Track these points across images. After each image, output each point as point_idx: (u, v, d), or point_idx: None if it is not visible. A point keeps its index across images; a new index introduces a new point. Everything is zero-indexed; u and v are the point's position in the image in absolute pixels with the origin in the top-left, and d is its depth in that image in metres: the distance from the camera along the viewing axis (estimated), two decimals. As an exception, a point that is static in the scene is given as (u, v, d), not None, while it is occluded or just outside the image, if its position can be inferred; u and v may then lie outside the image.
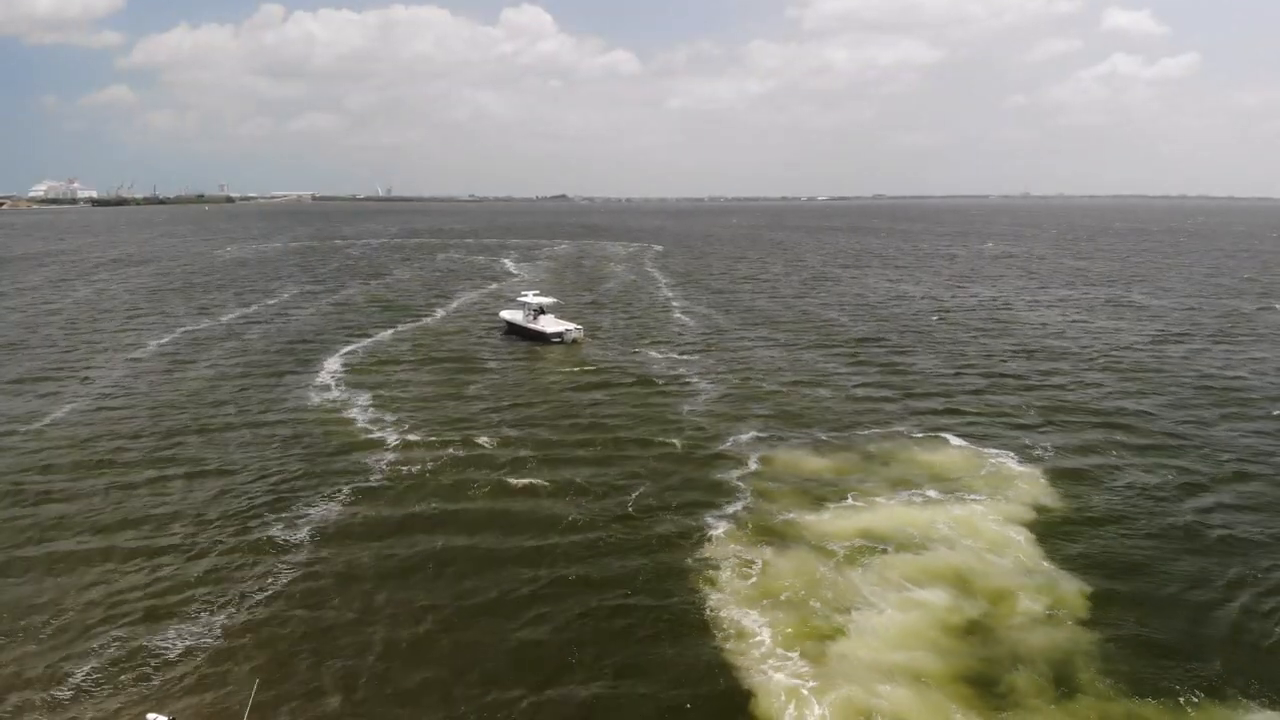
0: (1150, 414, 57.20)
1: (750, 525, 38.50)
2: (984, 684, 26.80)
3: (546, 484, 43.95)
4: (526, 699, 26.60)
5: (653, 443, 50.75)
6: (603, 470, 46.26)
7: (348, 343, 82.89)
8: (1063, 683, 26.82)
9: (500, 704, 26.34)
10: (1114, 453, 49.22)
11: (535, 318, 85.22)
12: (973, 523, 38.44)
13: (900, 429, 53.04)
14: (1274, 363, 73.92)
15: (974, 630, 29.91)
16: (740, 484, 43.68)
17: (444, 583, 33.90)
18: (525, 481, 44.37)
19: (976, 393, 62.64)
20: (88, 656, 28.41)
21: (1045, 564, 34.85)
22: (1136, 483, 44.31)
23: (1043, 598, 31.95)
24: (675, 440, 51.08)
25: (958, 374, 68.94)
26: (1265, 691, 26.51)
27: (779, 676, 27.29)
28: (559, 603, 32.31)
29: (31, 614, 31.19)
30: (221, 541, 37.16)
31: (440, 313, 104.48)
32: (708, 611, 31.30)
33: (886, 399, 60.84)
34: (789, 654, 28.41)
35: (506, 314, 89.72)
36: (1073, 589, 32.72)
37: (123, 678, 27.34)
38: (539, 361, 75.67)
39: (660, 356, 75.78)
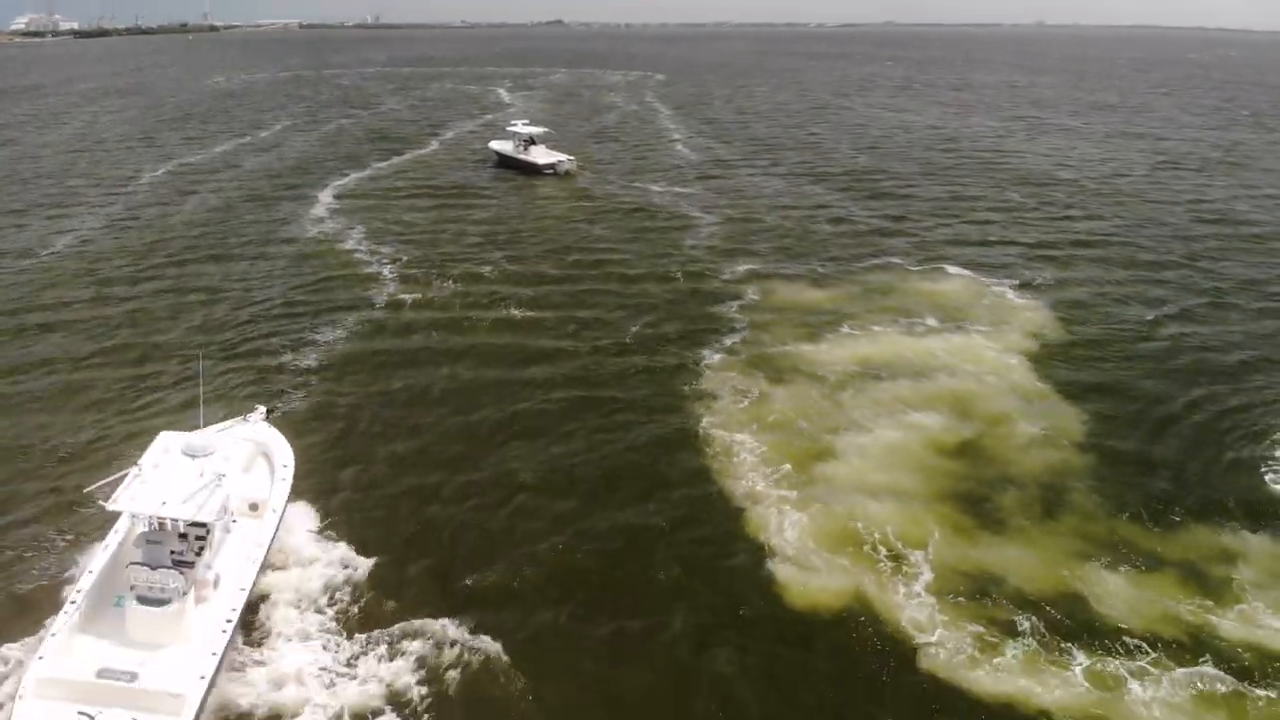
0: (1150, 244, 56.46)
1: (747, 356, 38.40)
2: (971, 502, 27.22)
3: (546, 316, 43.70)
4: (521, 497, 27.84)
5: (651, 275, 50.30)
6: (602, 302, 45.91)
7: (342, 175, 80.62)
8: (1050, 503, 27.24)
9: (498, 499, 27.74)
10: (1115, 281, 48.89)
11: (526, 148, 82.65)
12: (971, 351, 38.42)
13: (900, 260, 52.37)
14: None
15: (965, 452, 30.25)
16: (738, 316, 43.41)
17: (450, 407, 34.22)
18: (525, 314, 44.11)
19: (978, 223, 61.55)
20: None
21: (1042, 388, 35.11)
22: (1135, 311, 44.28)
23: (1038, 421, 32.21)
24: (674, 273, 50.59)
25: (960, 204, 67.60)
26: (1247, 513, 26.99)
27: (763, 488, 27.74)
28: (563, 422, 32.84)
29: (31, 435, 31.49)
30: (230, 369, 37.17)
31: (434, 144, 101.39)
32: (701, 432, 31.66)
33: (887, 230, 59.76)
34: (777, 470, 28.77)
35: (496, 145, 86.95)
36: (1069, 413, 33.01)
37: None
38: (532, 194, 74.01)
39: (659, 189, 73.99)
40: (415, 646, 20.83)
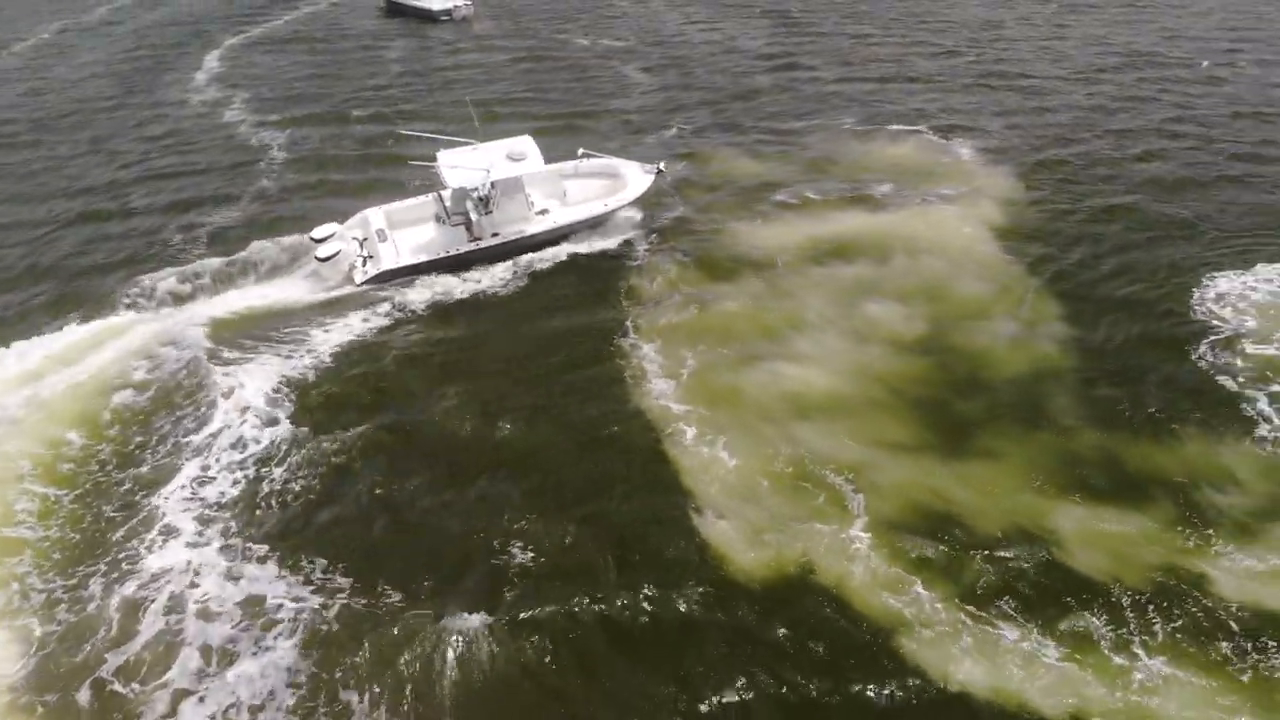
0: (1101, 86, 53.51)
1: (679, 241, 35.09)
2: (935, 414, 25.10)
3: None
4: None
5: (569, 145, 45.60)
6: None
7: (233, 33, 72.03)
8: (1026, 412, 25.21)
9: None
10: (1071, 131, 46.46)
11: (418, -8, 75.69)
12: (934, 225, 35.70)
13: (849, 121, 48.55)
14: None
15: (930, 350, 27.98)
16: (668, 191, 39.62)
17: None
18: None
19: (924, 78, 57.07)
20: None
21: (1016, 270, 32.72)
22: (1101, 166, 41.96)
23: (1013, 309, 30.00)
24: (596, 142, 46.05)
25: (914, 58, 62.98)
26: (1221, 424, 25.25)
27: (692, 414, 25.20)
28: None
29: None
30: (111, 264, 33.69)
31: None
32: (621, 344, 28.70)
33: (830, 88, 55.46)
34: (710, 385, 26.28)
35: (385, -13, 79.30)
36: (1046, 299, 30.75)
37: None
38: (426, 45, 67.53)
39: (585, 41, 67.93)
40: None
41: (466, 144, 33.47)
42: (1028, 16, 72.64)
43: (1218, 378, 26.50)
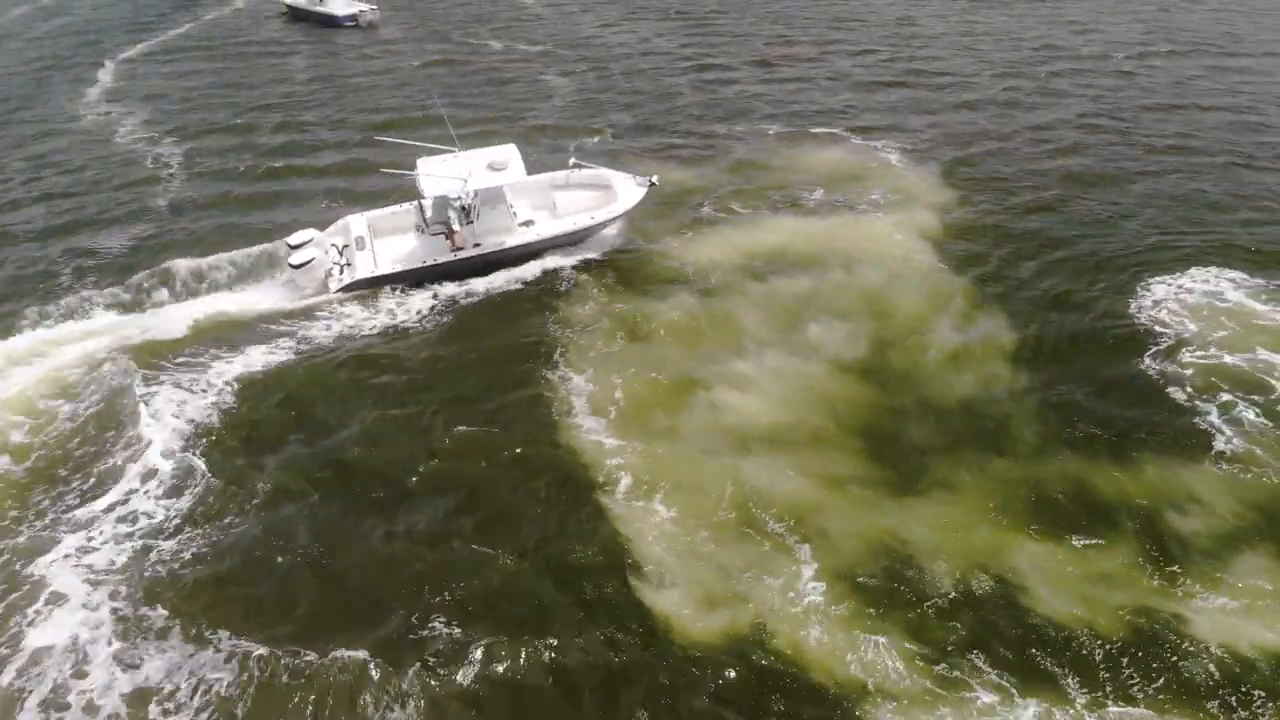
0: (1022, 83, 53.02)
1: (603, 259, 33.02)
2: (882, 445, 23.45)
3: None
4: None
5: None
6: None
7: (131, 43, 67.52)
8: (978, 438, 23.69)
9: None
10: (997, 133, 45.49)
11: (321, -1, 72.24)
12: (869, 235, 34.25)
13: (770, 126, 46.93)
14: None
15: (873, 373, 26.42)
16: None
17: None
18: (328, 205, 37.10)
19: (855, 80, 55.84)
20: None
21: (956, 280, 31.44)
22: (1029, 164, 41.08)
23: (956, 324, 28.52)
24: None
25: (832, 57, 61.68)
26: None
27: (611, 443, 23.32)
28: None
29: None
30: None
31: (239, 2, 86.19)
32: (546, 375, 26.53)
33: (759, 92, 53.69)
34: (643, 424, 24.15)
35: (285, -7, 75.42)
36: (990, 311, 29.41)
37: None
38: (331, 52, 64.14)
39: (499, 45, 65.16)
40: None
41: (448, 152, 32.01)
42: (941, 13, 72.20)
43: (1168, 389, 25.46)
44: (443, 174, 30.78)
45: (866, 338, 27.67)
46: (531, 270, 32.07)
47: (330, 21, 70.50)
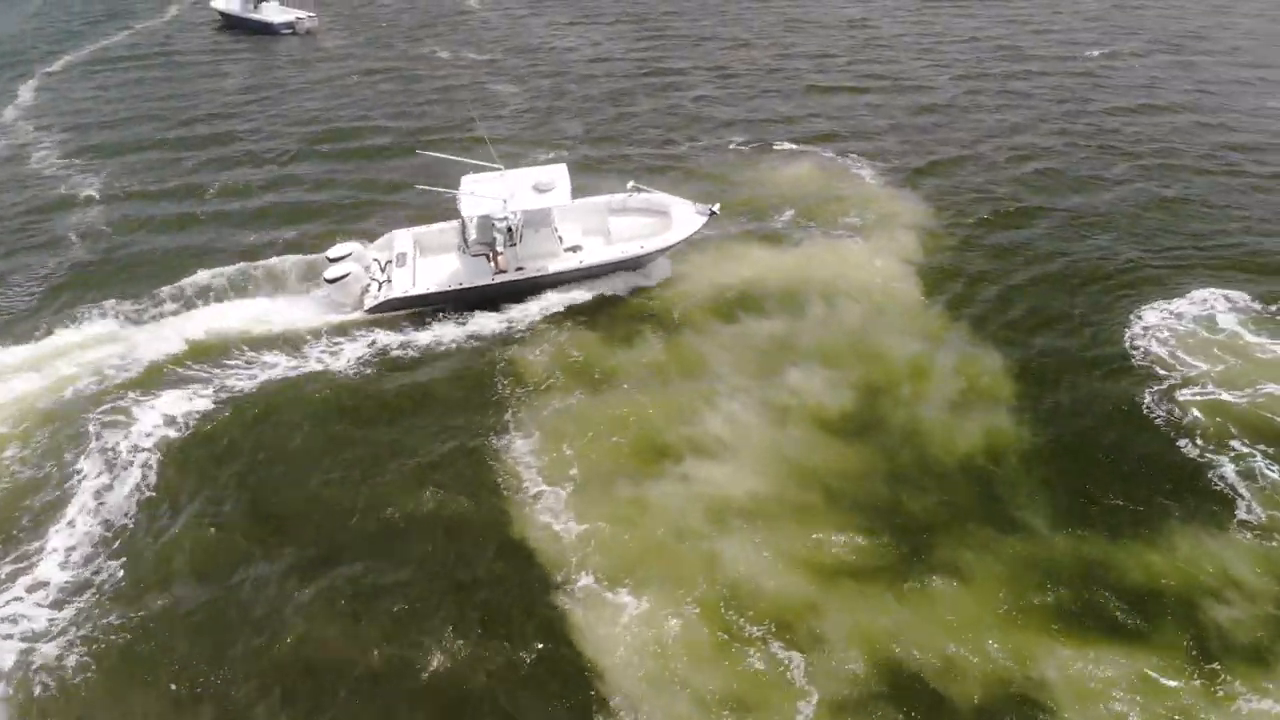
0: (987, 88, 50.71)
1: (568, 296, 30.00)
2: (876, 522, 20.67)
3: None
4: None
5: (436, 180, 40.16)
6: (362, 212, 36.05)
7: (54, 56, 62.78)
8: (986, 510, 20.94)
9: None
10: (977, 143, 43.08)
11: (256, 5, 67.71)
12: (847, 263, 31.61)
13: (736, 139, 44.17)
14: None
15: (862, 430, 23.59)
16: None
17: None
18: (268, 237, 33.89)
19: (817, 87, 52.83)
20: None
21: (944, 316, 28.74)
22: (1011, 179, 38.64)
23: (951, 371, 25.79)
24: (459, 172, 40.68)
25: (791, 63, 58.65)
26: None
27: (568, 527, 20.54)
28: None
29: None
30: None
31: (173, 9, 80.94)
32: (510, 426, 23.53)
33: (719, 103, 50.58)
34: (584, 502, 21.18)
35: (219, 2, 70.45)
36: (986, 353, 26.74)
37: None
38: (274, 62, 60.06)
39: (446, 54, 61.46)
40: None
41: (494, 169, 30.08)
42: (894, 13, 69.62)
43: (1178, 442, 23.08)
44: (485, 193, 28.91)
45: (851, 386, 24.99)
46: (551, 300, 29.54)
47: (266, 29, 66.27)
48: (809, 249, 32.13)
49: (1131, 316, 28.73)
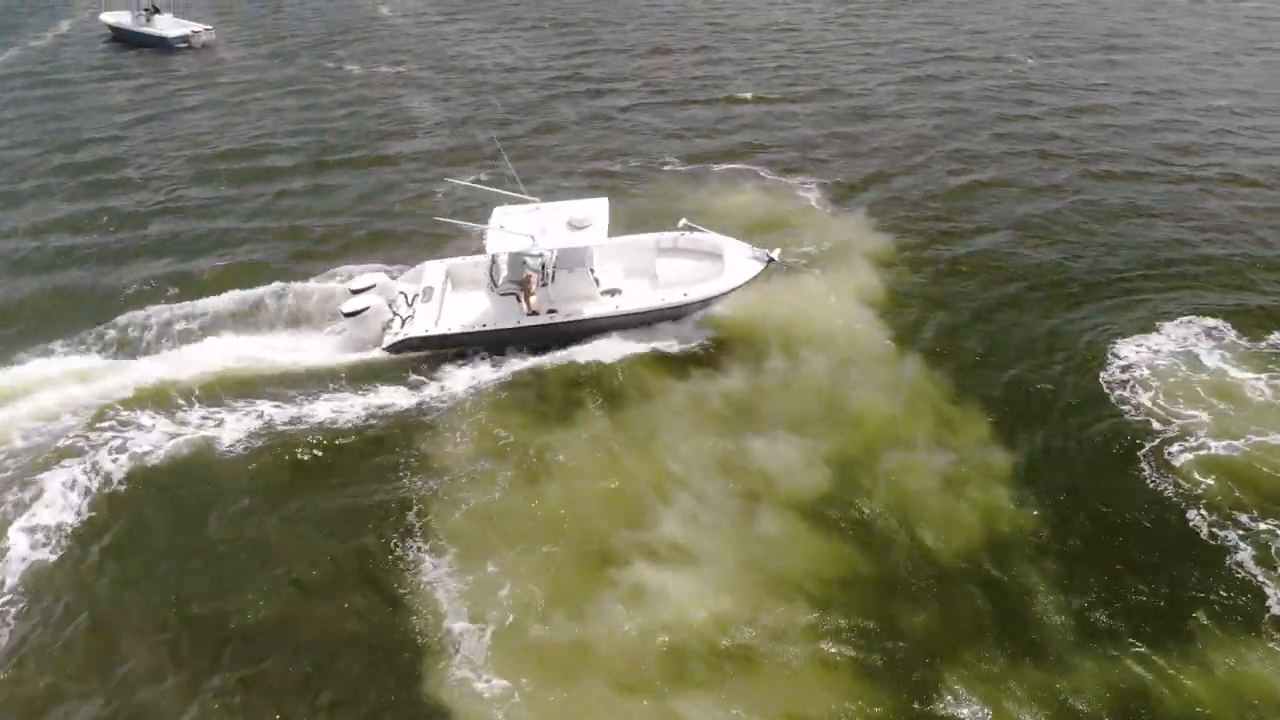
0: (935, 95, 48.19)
1: (492, 355, 26.33)
2: (872, 632, 17.57)
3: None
4: None
5: (345, 208, 36.29)
6: (261, 260, 31.71)
7: None
8: (1000, 626, 17.71)
9: None
10: (924, 158, 40.19)
11: (148, 18, 62.22)
12: (808, 306, 27.92)
13: (671, 161, 40.70)
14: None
15: (839, 520, 20.23)
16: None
17: None
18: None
19: (752, 98, 48.78)
20: None
21: (920, 369, 25.38)
22: (963, 199, 35.83)
23: (934, 440, 22.51)
24: (371, 202, 36.75)
25: (721, 71, 54.61)
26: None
27: (489, 685, 16.65)
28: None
29: None
30: None
31: (64, 25, 73.47)
32: (416, 531, 19.80)
33: (648, 115, 46.91)
34: (509, 647, 17.40)
35: (109, 16, 64.77)
36: (970, 413, 23.62)
37: None
38: (170, 80, 54.64)
39: (358, 68, 56.60)
40: None
41: (529, 202, 26.85)
42: (821, 16, 66.69)
43: (1188, 515, 20.28)
44: (514, 228, 25.83)
45: (826, 460, 21.70)
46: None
47: (160, 44, 60.76)
48: (764, 287, 28.72)
49: (1108, 354, 26.10)
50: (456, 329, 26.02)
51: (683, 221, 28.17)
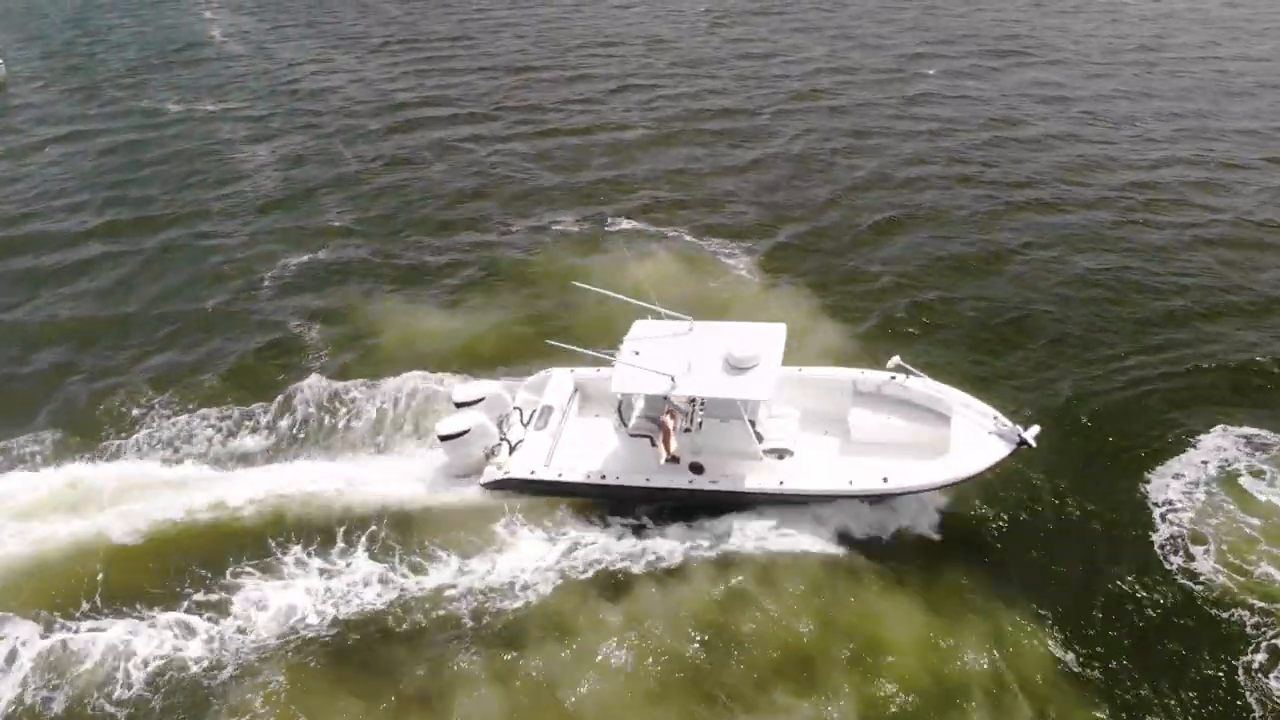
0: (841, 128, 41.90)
1: (326, 559, 18.33)
2: None
3: None
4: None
5: (152, 295, 27.85)
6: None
7: None
8: None
9: None
10: (845, 205, 33.61)
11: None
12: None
13: (568, 219, 32.91)
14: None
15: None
16: (317, 364, 23.56)
17: None
18: None
19: (637, 135, 41.17)
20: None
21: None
22: (898, 254, 29.15)
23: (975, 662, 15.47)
24: (184, 287, 28.47)
25: (598, 101, 45.95)
26: None
27: None
28: None
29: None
30: None
31: None
32: None
33: (525, 159, 38.80)
34: None
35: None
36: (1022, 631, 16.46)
37: None
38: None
39: (178, 106, 46.45)
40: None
41: (680, 320, 19.15)
42: (692, 29, 60.01)
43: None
44: (651, 357, 18.20)
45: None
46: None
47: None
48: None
49: (1140, 490, 19.75)
50: (566, 475, 19.00)
51: (894, 360, 19.30)
